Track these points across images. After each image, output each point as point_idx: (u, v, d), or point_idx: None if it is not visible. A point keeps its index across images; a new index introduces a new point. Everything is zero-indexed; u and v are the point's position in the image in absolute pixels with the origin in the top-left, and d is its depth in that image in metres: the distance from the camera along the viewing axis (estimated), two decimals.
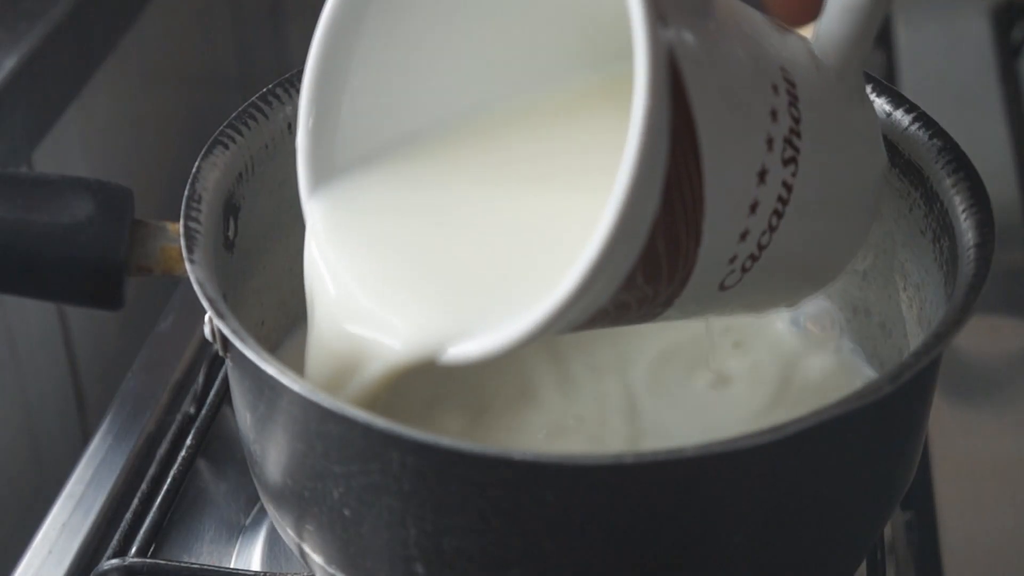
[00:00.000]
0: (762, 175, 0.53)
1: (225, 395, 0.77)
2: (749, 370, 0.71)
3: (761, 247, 0.55)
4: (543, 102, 0.63)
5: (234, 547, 0.73)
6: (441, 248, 0.59)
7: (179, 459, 0.73)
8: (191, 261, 0.59)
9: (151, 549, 0.69)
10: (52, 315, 0.90)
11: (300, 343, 0.71)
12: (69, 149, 0.91)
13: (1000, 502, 0.77)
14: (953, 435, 0.79)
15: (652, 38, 0.48)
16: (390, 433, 0.53)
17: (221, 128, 0.65)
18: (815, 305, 0.72)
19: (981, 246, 0.60)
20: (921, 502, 0.75)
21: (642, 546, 0.55)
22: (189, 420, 0.78)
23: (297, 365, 0.58)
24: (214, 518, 0.75)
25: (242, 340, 0.55)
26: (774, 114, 0.54)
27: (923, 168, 0.65)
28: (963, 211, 0.61)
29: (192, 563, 0.68)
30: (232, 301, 0.63)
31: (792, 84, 0.55)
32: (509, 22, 0.61)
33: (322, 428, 0.55)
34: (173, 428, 0.78)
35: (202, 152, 0.64)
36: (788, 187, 0.55)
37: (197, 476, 0.77)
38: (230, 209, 0.64)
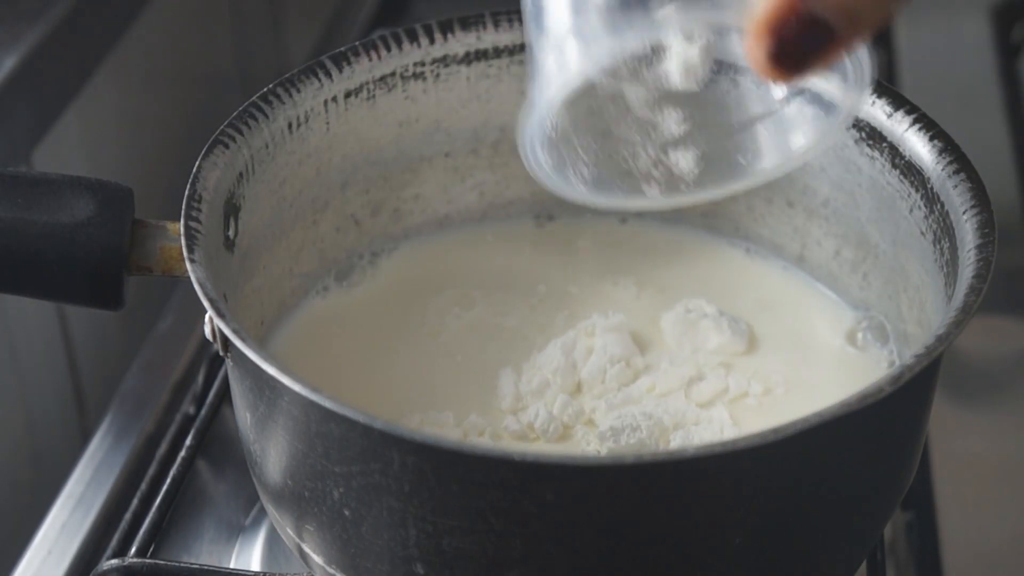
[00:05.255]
0: None
1: (225, 395, 0.77)
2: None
3: None
4: None
5: (234, 547, 0.73)
6: None
7: (178, 459, 0.73)
8: (191, 261, 0.59)
9: (151, 549, 0.69)
10: (52, 315, 0.90)
11: (300, 343, 0.71)
12: (69, 148, 0.90)
13: (1000, 502, 0.77)
14: (953, 435, 0.79)
15: None
16: (390, 433, 0.53)
17: (221, 128, 0.65)
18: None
19: (982, 247, 0.60)
20: (921, 502, 0.75)
21: (642, 546, 0.55)
22: (188, 420, 0.78)
23: (297, 365, 0.58)
24: (214, 518, 0.75)
25: (242, 340, 0.55)
26: None
27: (924, 169, 0.65)
28: (964, 212, 0.61)
29: (191, 563, 0.68)
30: (232, 301, 0.63)
31: None
32: None
33: (322, 428, 0.55)
34: (172, 428, 0.78)
35: (202, 152, 0.64)
36: None
37: (196, 476, 0.77)
38: (230, 209, 0.64)
